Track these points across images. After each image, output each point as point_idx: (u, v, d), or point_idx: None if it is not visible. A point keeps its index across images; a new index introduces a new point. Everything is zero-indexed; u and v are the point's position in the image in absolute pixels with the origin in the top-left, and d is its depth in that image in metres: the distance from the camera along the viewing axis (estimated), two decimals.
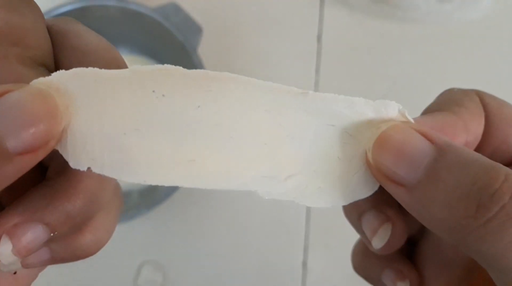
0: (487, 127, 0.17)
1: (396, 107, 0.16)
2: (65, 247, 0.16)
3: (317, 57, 0.46)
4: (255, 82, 0.14)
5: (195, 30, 0.40)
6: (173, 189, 0.38)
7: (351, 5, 0.46)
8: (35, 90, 0.13)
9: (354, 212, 0.19)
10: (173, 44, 0.39)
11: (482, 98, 0.18)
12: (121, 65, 0.16)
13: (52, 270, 0.45)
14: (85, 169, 0.14)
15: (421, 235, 0.21)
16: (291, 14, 0.47)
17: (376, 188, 0.16)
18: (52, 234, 0.15)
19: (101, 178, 0.15)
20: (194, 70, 0.14)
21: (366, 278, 0.21)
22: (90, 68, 0.14)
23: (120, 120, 0.14)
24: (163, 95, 0.14)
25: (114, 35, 0.43)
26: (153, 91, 0.14)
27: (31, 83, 0.14)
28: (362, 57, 0.46)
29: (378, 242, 0.18)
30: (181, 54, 0.39)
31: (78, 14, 0.40)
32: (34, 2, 0.16)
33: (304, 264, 0.44)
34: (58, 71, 0.14)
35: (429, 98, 0.47)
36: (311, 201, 0.16)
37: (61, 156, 0.14)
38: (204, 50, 0.41)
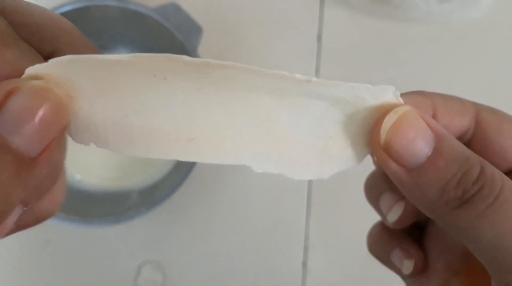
0: (484, 141, 0.19)
1: (391, 90, 0.17)
2: (30, 214, 0.16)
3: (317, 57, 0.46)
4: (258, 70, 0.15)
5: (195, 30, 0.40)
6: (173, 189, 0.38)
7: (351, 5, 0.46)
8: (37, 91, 0.13)
9: (374, 192, 0.22)
10: (173, 44, 0.39)
11: (479, 111, 0.20)
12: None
13: (51, 270, 0.45)
14: (88, 145, 0.15)
15: (428, 221, 0.23)
16: (291, 14, 0.47)
17: (357, 163, 0.17)
18: (25, 208, 0.15)
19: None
20: (196, 58, 0.14)
21: (378, 257, 0.24)
22: (86, 54, 0.14)
23: (121, 103, 0.14)
24: (165, 78, 0.14)
25: (114, 35, 0.43)
26: (154, 75, 0.14)
27: (27, 73, 0.14)
28: (362, 57, 0.46)
29: (392, 216, 0.21)
30: (181, 54, 0.38)
31: (78, 14, 0.40)
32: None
33: (304, 264, 0.44)
34: (53, 59, 0.14)
35: None
36: (298, 174, 0.16)
37: None
38: (204, 50, 0.41)
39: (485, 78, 0.47)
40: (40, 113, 0.13)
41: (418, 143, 0.16)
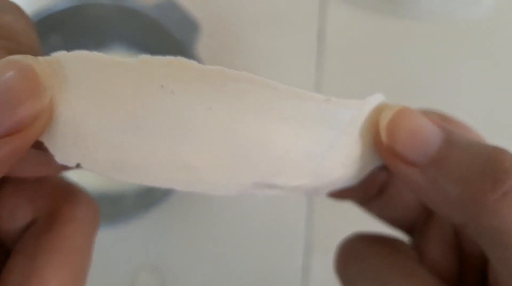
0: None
1: (381, 98, 0.16)
2: None
3: (318, 55, 0.45)
4: (275, 86, 0.13)
5: (193, 27, 0.39)
6: (170, 191, 0.38)
7: (354, 3, 0.46)
8: (9, 61, 0.12)
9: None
10: (170, 42, 0.39)
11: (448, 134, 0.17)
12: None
13: None
14: (73, 165, 0.13)
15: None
16: (291, 11, 0.46)
17: (359, 179, 0.16)
18: None
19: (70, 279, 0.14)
20: (209, 66, 0.12)
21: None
22: (94, 53, 0.12)
23: (121, 115, 0.12)
24: (172, 92, 0.12)
25: (110, 33, 0.43)
26: (162, 87, 0.12)
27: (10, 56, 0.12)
28: (364, 54, 0.46)
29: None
30: (179, 51, 0.38)
31: (75, 12, 0.40)
32: (24, 10, 0.15)
33: (304, 268, 0.43)
34: (58, 52, 0.12)
35: (433, 95, 0.46)
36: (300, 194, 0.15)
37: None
38: (202, 47, 0.40)
39: (488, 77, 0.46)
40: (11, 87, 0.11)
41: (423, 132, 0.15)
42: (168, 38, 0.39)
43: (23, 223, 0.16)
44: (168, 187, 0.13)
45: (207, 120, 0.13)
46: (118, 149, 0.12)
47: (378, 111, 0.16)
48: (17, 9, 0.15)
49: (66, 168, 0.14)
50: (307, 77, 0.45)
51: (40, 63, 0.12)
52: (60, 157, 0.13)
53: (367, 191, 0.19)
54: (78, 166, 0.13)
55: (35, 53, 0.14)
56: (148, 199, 0.40)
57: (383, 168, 0.17)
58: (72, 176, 0.41)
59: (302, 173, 0.14)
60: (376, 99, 0.16)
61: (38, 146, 0.13)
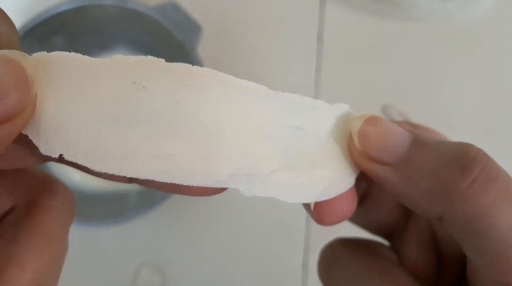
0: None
1: (346, 108, 0.17)
2: None
3: (317, 56, 0.46)
4: (233, 81, 0.14)
5: (195, 29, 0.40)
6: None
7: (352, 4, 0.46)
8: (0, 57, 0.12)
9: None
10: (172, 43, 0.39)
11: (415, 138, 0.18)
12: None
13: None
14: (56, 156, 0.13)
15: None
16: (291, 13, 0.46)
17: (350, 185, 0.17)
18: None
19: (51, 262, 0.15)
20: (176, 63, 0.14)
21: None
22: (73, 53, 0.13)
23: (98, 108, 0.13)
24: (144, 87, 0.14)
25: (112, 34, 0.43)
26: (134, 83, 0.14)
27: None
28: (362, 56, 0.46)
29: None
30: (180, 53, 0.39)
31: (77, 13, 0.40)
32: (7, 16, 0.15)
33: (304, 265, 0.43)
34: (39, 52, 0.13)
35: (430, 97, 0.47)
36: (291, 197, 0.16)
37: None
38: (203, 49, 0.41)
39: (487, 77, 0.46)
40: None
41: (393, 134, 0.16)
42: (170, 39, 0.39)
43: (1, 211, 0.16)
44: (147, 178, 0.14)
45: (176, 113, 0.14)
46: (97, 140, 0.13)
47: (346, 121, 0.17)
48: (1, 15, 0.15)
49: (42, 161, 0.16)
50: (307, 78, 0.45)
51: (27, 59, 0.13)
52: (44, 149, 0.14)
53: None
54: (60, 157, 0.14)
55: None
56: (150, 198, 0.40)
57: (361, 178, 0.18)
58: (73, 176, 0.42)
59: (269, 158, 0.15)
60: (341, 107, 0.17)
61: (15, 139, 0.14)
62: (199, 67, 0.14)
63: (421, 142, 0.16)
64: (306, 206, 0.19)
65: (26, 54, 0.13)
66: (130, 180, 0.17)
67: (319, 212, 0.18)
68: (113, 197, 0.42)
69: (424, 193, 0.16)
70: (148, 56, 0.14)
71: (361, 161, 0.16)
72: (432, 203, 0.16)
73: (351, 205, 0.18)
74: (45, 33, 0.40)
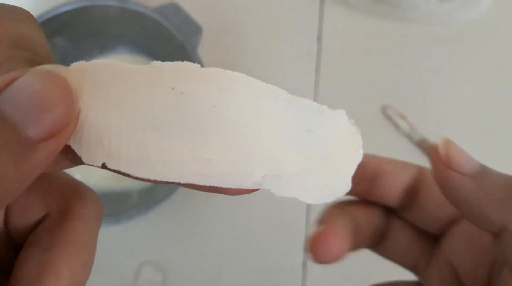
0: (428, 195, 0.21)
1: (343, 114, 0.17)
2: None
3: (317, 57, 0.46)
4: (260, 84, 0.15)
5: (195, 30, 0.40)
6: (172, 190, 0.38)
7: (351, 5, 0.46)
8: (43, 71, 0.13)
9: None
10: (173, 44, 0.39)
11: (421, 168, 0.22)
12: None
13: None
14: (99, 165, 0.14)
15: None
16: (291, 14, 0.47)
17: (349, 188, 0.18)
18: None
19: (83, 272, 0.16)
20: (211, 68, 0.14)
21: None
22: (110, 61, 0.14)
23: (139, 116, 0.14)
24: (182, 93, 0.14)
25: (113, 35, 0.43)
26: (172, 88, 0.14)
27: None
28: (362, 57, 0.46)
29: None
30: (181, 54, 0.39)
31: (78, 14, 0.40)
32: (37, 20, 0.16)
33: (304, 264, 0.44)
34: (77, 62, 0.14)
35: (429, 98, 0.47)
36: (308, 197, 0.16)
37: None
38: (204, 50, 0.41)
39: (485, 78, 0.47)
40: (46, 92, 0.12)
41: (467, 154, 0.18)
42: (171, 40, 0.39)
43: (35, 219, 0.17)
44: (188, 182, 0.14)
45: (212, 116, 0.14)
46: (139, 147, 0.14)
47: (343, 127, 0.17)
48: (31, 18, 0.16)
49: (74, 165, 0.16)
50: (307, 78, 0.45)
51: (70, 73, 0.13)
52: (86, 158, 0.14)
53: (371, 239, 0.23)
54: (103, 165, 0.14)
55: (50, 63, 0.15)
56: (151, 197, 0.40)
57: (382, 216, 0.22)
58: (74, 176, 0.42)
59: (293, 160, 0.16)
60: (340, 113, 0.17)
61: None
62: (230, 71, 0.14)
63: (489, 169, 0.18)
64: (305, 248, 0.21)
65: (66, 68, 0.13)
66: (167, 181, 0.17)
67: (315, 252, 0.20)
68: (114, 196, 0.42)
69: (496, 202, 0.18)
70: (185, 62, 0.14)
71: (445, 171, 0.18)
72: (500, 212, 0.18)
73: (341, 247, 0.20)
74: (46, 34, 0.40)
